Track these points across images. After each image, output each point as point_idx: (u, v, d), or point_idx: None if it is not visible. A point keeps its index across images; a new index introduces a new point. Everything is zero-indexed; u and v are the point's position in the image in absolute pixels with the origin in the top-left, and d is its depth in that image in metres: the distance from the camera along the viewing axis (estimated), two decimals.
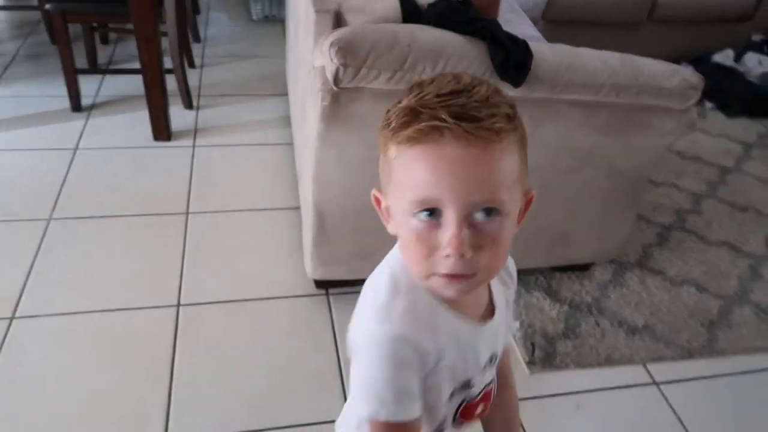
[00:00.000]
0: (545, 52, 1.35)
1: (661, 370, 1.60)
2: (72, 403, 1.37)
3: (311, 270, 1.59)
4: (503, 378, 0.81)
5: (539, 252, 1.72)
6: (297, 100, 1.85)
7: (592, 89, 1.36)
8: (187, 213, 1.94)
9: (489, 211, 0.54)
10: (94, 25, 2.69)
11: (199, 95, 2.61)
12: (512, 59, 1.28)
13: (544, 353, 1.58)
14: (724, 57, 3.08)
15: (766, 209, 2.27)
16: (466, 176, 0.52)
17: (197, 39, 3.08)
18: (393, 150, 0.55)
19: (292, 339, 1.57)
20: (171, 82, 2.34)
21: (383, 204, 0.63)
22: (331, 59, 1.20)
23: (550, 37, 2.08)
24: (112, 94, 2.55)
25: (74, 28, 2.47)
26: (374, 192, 0.63)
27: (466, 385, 0.68)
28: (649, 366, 1.61)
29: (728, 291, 1.86)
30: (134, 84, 2.41)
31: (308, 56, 1.46)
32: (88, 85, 2.52)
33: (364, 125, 1.29)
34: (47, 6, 2.19)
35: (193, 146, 2.28)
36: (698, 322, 1.74)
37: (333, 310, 1.65)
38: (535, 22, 2.66)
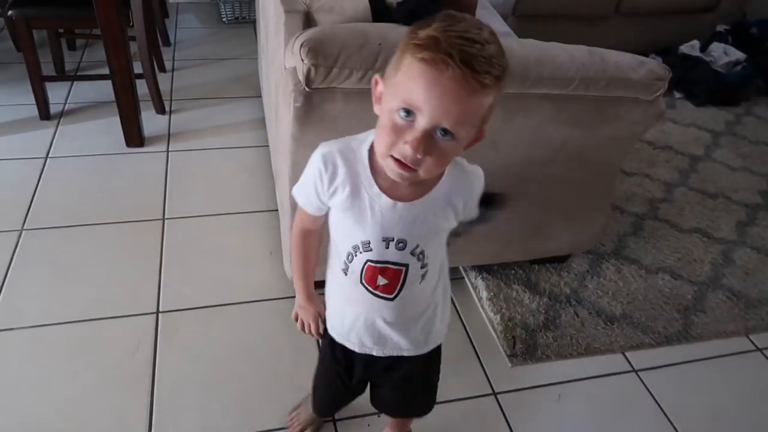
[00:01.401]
0: (514, 47, 1.36)
1: (639, 358, 1.64)
2: (51, 416, 1.35)
3: (290, 271, 1.59)
4: None
5: (517, 246, 1.74)
6: (270, 101, 1.84)
7: (561, 83, 1.37)
8: (164, 219, 1.92)
9: (446, 133, 0.70)
10: (61, 30, 2.64)
11: (171, 99, 2.58)
12: None
13: (525, 346, 1.60)
14: (690, 48, 3.14)
15: (735, 196, 2.32)
16: (447, 105, 0.67)
17: (167, 43, 3.05)
18: (408, 58, 0.68)
19: (274, 341, 1.56)
20: (142, 87, 2.31)
21: (379, 89, 0.76)
22: (302, 60, 1.19)
23: (520, 32, 2.10)
24: (81, 101, 2.51)
25: (40, 35, 2.42)
26: (376, 77, 0.77)
27: (366, 244, 0.83)
28: (627, 354, 1.64)
29: (702, 277, 1.90)
30: (104, 90, 2.38)
31: (279, 57, 1.45)
32: (56, 93, 2.48)
33: (337, 125, 1.29)
34: (10, 12, 2.14)
35: (167, 151, 2.25)
36: (674, 309, 1.77)
37: None
38: (505, 18, 2.68)
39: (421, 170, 0.72)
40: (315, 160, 0.83)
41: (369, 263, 0.85)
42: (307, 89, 1.23)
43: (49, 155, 2.17)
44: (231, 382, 1.46)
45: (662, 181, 2.36)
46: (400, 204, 0.81)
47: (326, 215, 0.90)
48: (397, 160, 0.72)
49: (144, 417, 1.36)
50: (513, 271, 1.82)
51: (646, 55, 1.53)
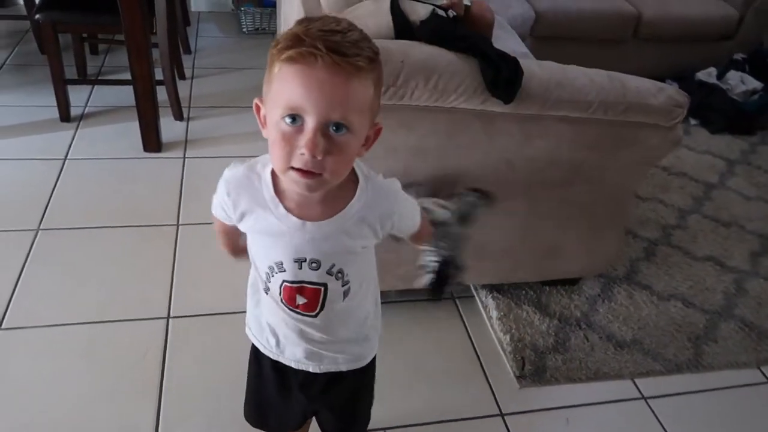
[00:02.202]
0: (535, 69, 1.37)
1: (649, 385, 1.62)
2: (59, 416, 1.35)
3: None
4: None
5: (529, 266, 1.73)
6: None
7: (580, 106, 1.38)
8: (178, 225, 1.94)
9: (340, 127, 0.68)
10: (84, 35, 2.68)
11: (189, 106, 2.61)
12: (502, 76, 1.30)
13: (534, 367, 1.59)
14: (707, 75, 3.14)
15: (749, 225, 2.31)
16: (328, 96, 0.66)
17: (188, 50, 3.09)
18: (277, 66, 0.68)
19: None
20: (161, 93, 2.34)
21: (262, 111, 0.74)
22: None
23: (538, 53, 2.12)
24: (101, 105, 2.54)
25: (64, 38, 2.46)
26: (256, 100, 0.75)
27: (280, 265, 0.82)
28: (637, 380, 1.63)
29: (714, 306, 1.89)
30: (124, 95, 2.41)
31: None
32: (77, 96, 2.51)
33: None
34: (37, 16, 2.18)
35: (184, 157, 2.27)
36: (685, 337, 1.76)
37: None
38: (523, 38, 2.70)
39: (326, 173, 0.69)
40: (220, 186, 0.83)
41: (285, 283, 0.83)
42: None
43: (68, 157, 2.20)
44: (240, 391, 1.45)
45: (676, 207, 2.35)
46: (309, 224, 0.78)
47: None
48: (298, 170, 0.69)
49: (151, 422, 1.36)
50: (524, 292, 1.81)
51: (662, 81, 1.54)
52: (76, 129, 2.37)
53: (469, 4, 1.83)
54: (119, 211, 1.97)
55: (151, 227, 1.92)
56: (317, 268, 0.81)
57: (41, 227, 1.86)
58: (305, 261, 0.81)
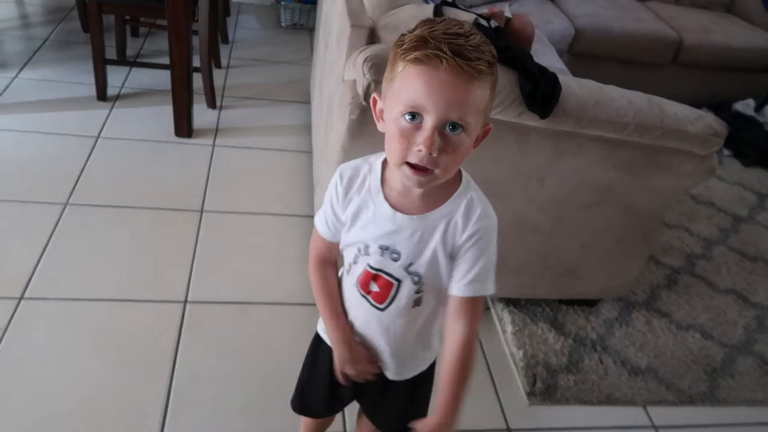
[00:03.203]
0: (573, 86, 1.37)
1: (661, 414, 1.60)
2: (72, 389, 1.37)
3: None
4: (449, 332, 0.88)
5: (548, 283, 1.72)
6: (321, 109, 1.87)
7: (616, 127, 1.37)
8: (202, 211, 1.96)
9: (456, 126, 0.70)
10: (127, 17, 2.72)
11: (222, 95, 2.64)
12: (540, 91, 1.29)
13: (545, 385, 1.57)
14: (745, 106, 3.09)
15: None
16: (448, 97, 0.69)
17: (225, 40, 3.12)
18: (401, 65, 0.70)
19: (298, 347, 1.56)
20: (197, 81, 2.36)
21: (379, 106, 0.78)
22: (364, 74, 1.21)
23: (574, 70, 2.10)
24: (137, 87, 2.58)
25: (107, 19, 2.50)
26: (375, 95, 0.78)
27: (367, 248, 0.85)
28: (649, 408, 1.61)
29: (733, 340, 1.85)
30: (160, 79, 2.45)
31: (338, 69, 1.48)
32: (115, 76, 2.55)
33: None
34: None
35: (213, 145, 2.30)
36: (701, 369, 1.73)
37: None
38: (560, 54, 2.68)
39: (438, 170, 0.73)
40: (333, 177, 0.87)
41: (367, 268, 0.86)
42: (364, 103, 1.24)
43: (101, 135, 2.23)
44: (249, 382, 1.46)
45: (702, 236, 2.31)
46: (399, 215, 0.81)
47: (338, 246, 0.91)
48: (412, 166, 0.73)
49: (161, 403, 1.37)
50: (540, 309, 1.80)
51: (699, 108, 1.51)
52: (111, 108, 2.40)
53: (510, 16, 1.83)
54: (146, 192, 2.00)
55: (176, 211, 1.94)
56: (397, 260, 0.84)
57: (69, 202, 1.89)
58: (387, 250, 0.83)
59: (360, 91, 1.24)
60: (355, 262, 0.88)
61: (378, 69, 1.20)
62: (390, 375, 0.97)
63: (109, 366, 1.44)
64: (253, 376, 1.48)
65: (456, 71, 0.67)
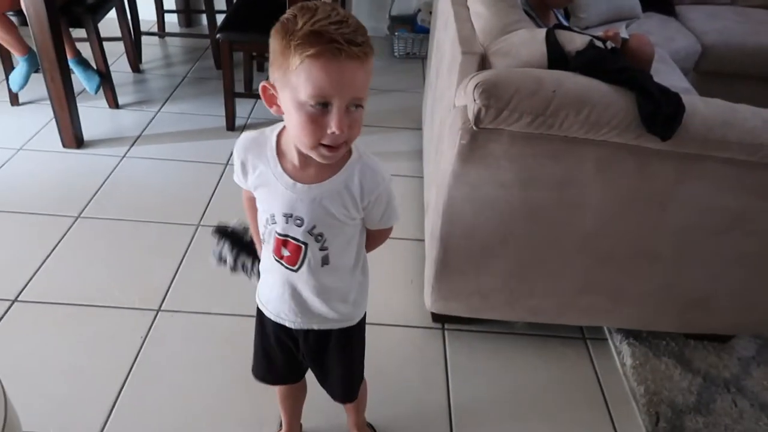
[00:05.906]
0: (699, 106, 1.29)
1: None
2: (200, 395, 1.48)
3: (430, 303, 1.61)
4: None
5: (672, 315, 1.61)
6: (432, 135, 1.90)
7: (748, 149, 1.27)
8: None
9: (356, 105, 0.79)
10: (254, 53, 2.95)
11: None
12: (661, 112, 1.23)
13: (670, 426, 1.46)
14: None
15: None
16: (351, 82, 0.76)
17: None
18: (297, 59, 0.75)
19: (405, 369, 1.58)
20: None
21: (269, 92, 0.83)
22: (474, 100, 1.23)
23: (702, 90, 1.98)
24: (262, 117, 2.77)
25: (236, 56, 2.73)
26: (264, 83, 0.83)
27: (273, 217, 0.93)
28: None
29: None
30: None
31: (450, 95, 1.50)
32: (242, 108, 2.77)
33: (499, 165, 1.31)
34: (218, 35, 2.44)
35: None
36: None
37: (447, 345, 1.66)
38: (685, 73, 2.54)
39: (346, 144, 0.82)
40: (234, 148, 0.96)
41: (276, 235, 0.95)
42: (474, 128, 1.26)
43: (230, 162, 2.42)
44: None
45: None
46: (299, 185, 0.90)
47: None
48: (327, 146, 0.80)
49: (277, 413, 1.44)
50: (664, 342, 1.68)
51: None
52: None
53: (626, 37, 1.76)
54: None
55: None
56: (300, 225, 0.93)
57: (201, 224, 2.06)
58: (291, 217, 0.92)
59: (470, 116, 1.25)
60: (268, 233, 0.97)
61: (489, 93, 1.21)
62: (331, 325, 1.06)
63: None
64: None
65: (353, 57, 0.74)
